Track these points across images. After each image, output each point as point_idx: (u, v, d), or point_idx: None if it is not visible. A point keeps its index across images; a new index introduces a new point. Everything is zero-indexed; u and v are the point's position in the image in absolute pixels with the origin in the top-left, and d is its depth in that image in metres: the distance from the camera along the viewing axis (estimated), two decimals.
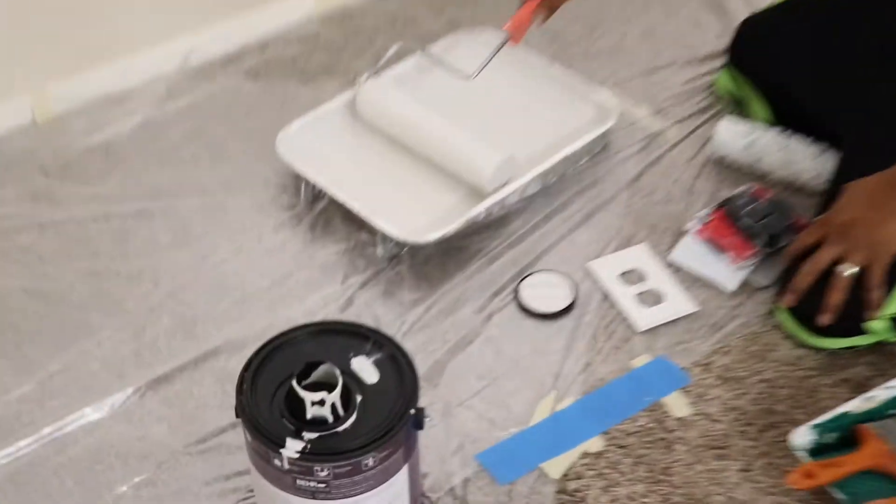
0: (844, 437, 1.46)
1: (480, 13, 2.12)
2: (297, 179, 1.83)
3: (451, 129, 1.84)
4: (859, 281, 1.52)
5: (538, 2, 1.68)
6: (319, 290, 1.71)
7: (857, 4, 1.79)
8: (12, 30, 1.91)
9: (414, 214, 1.73)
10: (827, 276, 1.54)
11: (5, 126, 1.96)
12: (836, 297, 1.51)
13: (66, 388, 1.60)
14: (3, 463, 1.51)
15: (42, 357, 1.63)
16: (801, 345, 1.61)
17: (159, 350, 1.64)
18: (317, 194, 1.82)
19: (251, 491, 1.44)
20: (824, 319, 1.52)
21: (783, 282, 1.63)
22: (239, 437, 1.33)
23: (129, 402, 1.58)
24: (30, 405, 1.57)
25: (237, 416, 1.27)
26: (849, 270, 1.51)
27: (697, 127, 1.93)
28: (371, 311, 1.68)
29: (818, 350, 1.61)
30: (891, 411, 1.48)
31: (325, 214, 1.81)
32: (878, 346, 1.60)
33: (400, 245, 1.72)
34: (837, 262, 1.52)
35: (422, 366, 1.55)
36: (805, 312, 1.58)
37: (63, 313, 1.70)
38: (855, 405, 1.46)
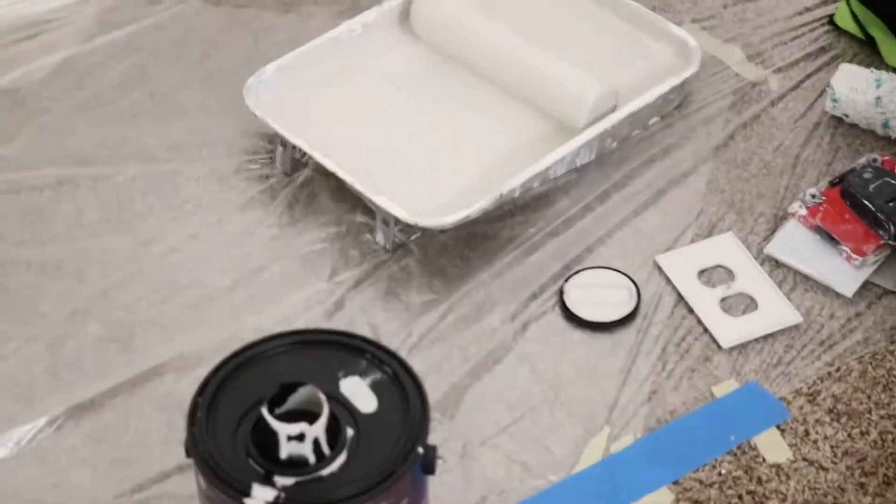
0: None
1: None
2: (272, 141, 1.84)
3: (538, 52, 1.87)
4: None
5: None
6: (300, 290, 1.72)
7: None
8: None
9: (426, 191, 1.74)
10: None
11: None
12: None
13: None
14: None
15: None
16: None
17: (84, 368, 1.64)
18: (298, 161, 1.83)
19: None
20: None
21: None
22: (189, 483, 1.34)
23: (42, 436, 1.58)
24: None
25: (187, 455, 1.27)
26: None
27: (807, 76, 1.94)
28: (368, 317, 1.68)
29: None
30: None
31: (309, 188, 1.83)
32: None
33: (408, 230, 1.73)
34: None
35: (434, 391, 1.56)
36: None
37: None
38: None
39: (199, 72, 1.97)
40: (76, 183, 1.84)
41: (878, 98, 1.82)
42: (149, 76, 1.97)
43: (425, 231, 1.73)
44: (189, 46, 2.02)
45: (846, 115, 1.86)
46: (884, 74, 1.84)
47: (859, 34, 1.95)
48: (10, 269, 1.75)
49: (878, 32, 1.91)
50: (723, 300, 1.69)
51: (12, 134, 1.90)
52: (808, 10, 2.02)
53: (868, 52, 1.94)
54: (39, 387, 1.63)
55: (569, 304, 1.68)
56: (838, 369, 1.62)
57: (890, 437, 1.56)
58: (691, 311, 1.68)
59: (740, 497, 1.51)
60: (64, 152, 1.88)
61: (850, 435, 1.56)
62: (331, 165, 1.73)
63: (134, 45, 2.02)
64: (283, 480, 1.23)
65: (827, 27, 2.00)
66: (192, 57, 2.00)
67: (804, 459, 1.54)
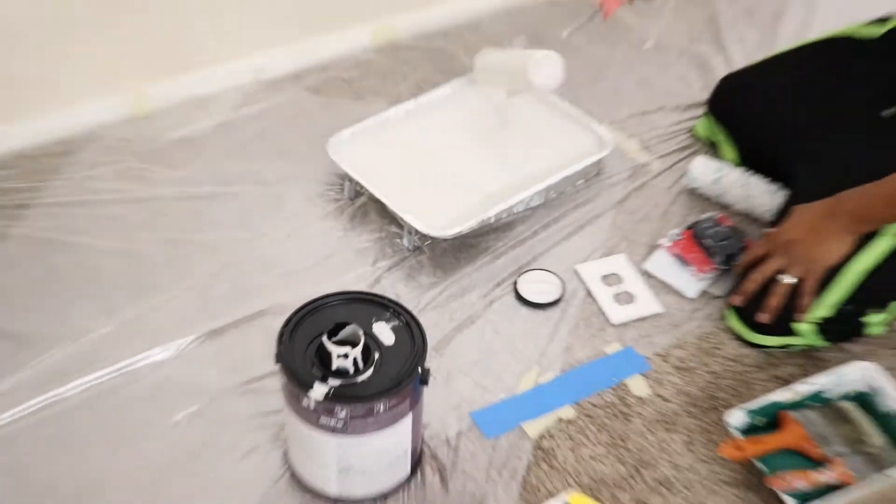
0: (770, 421, 1.52)
1: None
2: (343, 178, 1.86)
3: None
4: (795, 289, 1.57)
5: None
6: (353, 270, 1.75)
7: (815, 75, 1.83)
8: (117, 38, 1.93)
9: (436, 213, 1.76)
10: (769, 283, 1.59)
11: (109, 117, 1.98)
12: (776, 300, 1.57)
13: (139, 332, 1.64)
14: (82, 390, 1.56)
15: (122, 306, 1.68)
16: (744, 345, 1.66)
17: (218, 308, 1.69)
18: (358, 191, 1.85)
19: (283, 428, 1.48)
20: (763, 318, 1.58)
21: (734, 292, 1.67)
22: (277, 382, 1.38)
23: (191, 346, 1.63)
24: (109, 343, 1.62)
25: (276, 362, 1.32)
26: (788, 279, 1.56)
27: (676, 162, 1.96)
28: (394, 289, 1.72)
29: (758, 349, 1.65)
30: (809, 403, 1.53)
31: (363, 208, 1.86)
32: (806, 351, 1.65)
33: (423, 238, 1.76)
34: (780, 272, 1.57)
35: (431, 337, 1.56)
36: (749, 314, 1.63)
37: (142, 272, 1.74)
38: (781, 396, 1.52)
39: (302, 133, 1.98)
40: (223, 195, 1.87)
41: (716, 179, 1.85)
42: (272, 134, 1.99)
43: (434, 239, 1.76)
44: (296, 118, 2.03)
45: (697, 188, 1.89)
46: (721, 165, 1.87)
47: (708, 140, 1.98)
48: (179, 246, 1.78)
49: (719, 139, 1.94)
50: (615, 295, 1.72)
51: (186, 165, 1.92)
52: (679, 122, 2.05)
53: (713, 152, 1.96)
54: (192, 317, 1.67)
55: (519, 291, 1.72)
56: (682, 342, 1.67)
57: (711, 385, 1.61)
58: (595, 300, 1.72)
59: (615, 415, 1.56)
60: (216, 178, 1.90)
61: (685, 382, 1.61)
62: (377, 194, 1.77)
63: (264, 115, 2.03)
64: (333, 382, 1.28)
65: (690, 133, 2.02)
66: (297, 124, 2.01)
67: (657, 395, 1.59)
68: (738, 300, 1.61)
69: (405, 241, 1.81)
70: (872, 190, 1.52)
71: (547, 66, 1.79)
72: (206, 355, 1.63)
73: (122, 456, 1.49)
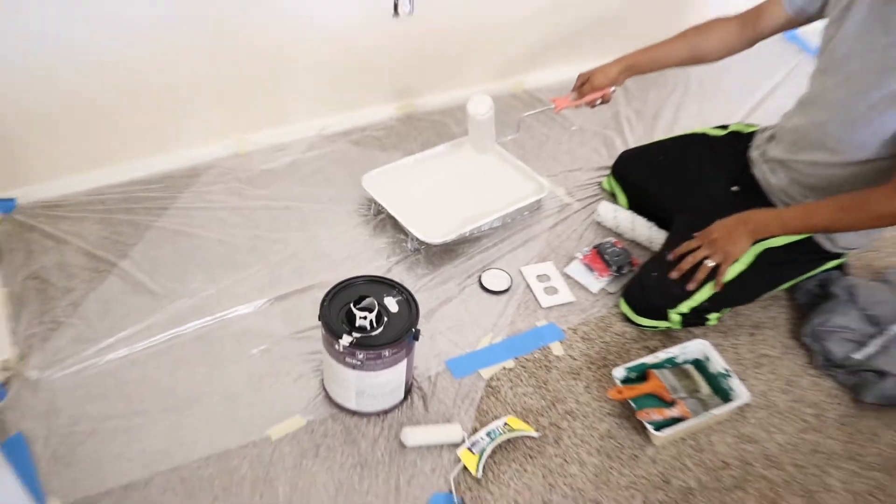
0: (640, 375, 1.52)
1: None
2: (370, 201, 1.83)
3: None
4: (670, 286, 1.55)
5: (579, 101, 1.72)
6: (374, 262, 1.72)
7: (682, 155, 1.81)
8: (230, 104, 1.92)
9: (430, 227, 1.72)
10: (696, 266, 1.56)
11: (222, 154, 1.96)
12: (701, 275, 1.53)
13: (232, 294, 1.62)
14: (193, 330, 1.55)
15: (222, 276, 1.66)
16: (627, 324, 1.64)
17: (283, 282, 1.66)
18: (380, 210, 1.82)
19: (321, 363, 1.47)
20: (691, 286, 1.53)
21: (624, 290, 1.66)
22: (319, 333, 1.37)
23: (265, 306, 1.61)
24: (212, 300, 1.61)
25: (319, 320, 1.31)
26: (711, 263, 1.52)
27: (588, 204, 1.92)
28: (400, 277, 1.69)
29: (636, 328, 1.63)
30: (665, 364, 1.53)
31: (382, 222, 1.82)
32: (665, 331, 1.64)
33: (420, 243, 1.73)
34: (705, 258, 1.54)
35: (423, 309, 1.59)
36: (634, 302, 1.61)
37: (236, 255, 1.71)
38: (648, 359, 1.52)
39: (345, 170, 1.95)
40: (291, 208, 1.83)
41: (614, 217, 1.83)
42: (326, 170, 1.95)
43: (428, 244, 1.72)
44: (343, 160, 1.98)
45: (601, 222, 1.85)
46: (617, 208, 1.84)
47: (610, 191, 1.95)
48: (260, 240, 1.75)
49: (618, 191, 1.91)
50: (544, 288, 1.69)
51: (269, 186, 1.89)
52: (592, 178, 2.00)
53: (613, 199, 1.92)
54: (266, 287, 1.64)
55: (482, 282, 1.69)
56: (586, 321, 1.64)
57: (603, 350, 1.58)
58: (531, 290, 1.69)
59: (540, 367, 1.54)
60: (287, 196, 1.86)
61: (588, 347, 1.59)
62: (392, 212, 1.74)
63: (322, 157, 1.99)
64: (356, 334, 1.26)
65: (599, 186, 1.98)
66: (343, 164, 1.97)
67: (568, 355, 1.57)
68: (675, 274, 1.55)
69: (409, 245, 1.77)
70: (774, 213, 1.51)
71: (477, 102, 1.76)
72: (274, 312, 1.61)
73: (217, 373, 1.49)
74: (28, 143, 1.75)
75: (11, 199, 1.80)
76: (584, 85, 1.72)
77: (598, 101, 1.73)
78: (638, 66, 1.70)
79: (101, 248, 1.71)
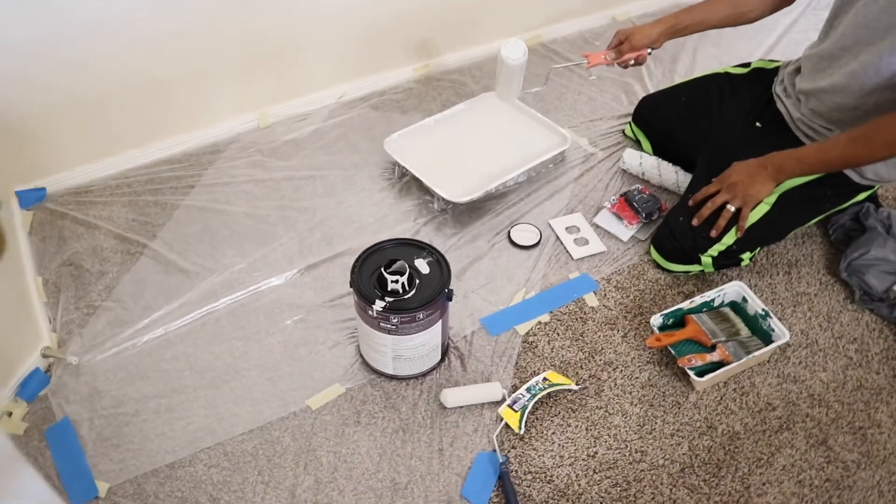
0: (678, 321, 1.45)
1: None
2: (394, 164, 1.77)
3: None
4: (698, 229, 1.48)
5: (616, 58, 1.66)
6: (402, 225, 1.66)
7: (703, 96, 1.72)
8: (250, 78, 1.86)
9: (456, 186, 1.65)
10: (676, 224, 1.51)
11: (244, 128, 1.91)
12: (723, 221, 1.46)
13: (262, 267, 1.58)
14: (227, 305, 1.51)
15: (251, 250, 1.61)
16: (660, 271, 1.57)
17: (313, 250, 1.61)
18: (404, 172, 1.75)
19: (356, 329, 1.42)
20: (713, 233, 1.47)
21: (653, 237, 1.59)
22: (352, 299, 1.31)
23: (296, 276, 1.56)
24: (243, 274, 1.56)
25: (351, 286, 1.26)
26: (733, 207, 1.46)
27: (613, 153, 1.84)
28: (429, 238, 1.63)
29: (669, 274, 1.56)
30: (702, 309, 1.46)
31: (407, 184, 1.75)
32: (699, 275, 1.56)
33: (447, 203, 1.66)
34: (725, 203, 1.47)
35: (454, 269, 1.53)
36: (666, 248, 1.54)
37: (264, 227, 1.66)
38: (684, 305, 1.45)
39: (367, 135, 1.88)
40: (315, 177, 1.78)
41: (639, 164, 1.75)
42: (348, 137, 1.89)
43: (454, 203, 1.65)
44: (365, 125, 1.92)
45: (627, 170, 1.77)
46: (642, 154, 1.77)
47: (633, 138, 1.86)
48: (287, 210, 1.70)
49: (641, 138, 1.83)
50: (574, 240, 1.62)
51: (292, 157, 1.83)
52: (614, 126, 1.92)
53: (637, 146, 1.84)
54: (296, 256, 1.60)
55: (512, 237, 1.63)
56: (619, 270, 1.57)
57: (638, 298, 1.52)
58: (561, 243, 1.62)
59: (576, 319, 1.48)
60: (311, 165, 1.81)
61: (622, 296, 1.52)
62: (416, 173, 1.68)
63: (343, 124, 1.92)
64: (389, 298, 1.22)
65: (622, 133, 1.90)
66: (364, 129, 1.91)
67: (603, 305, 1.50)
68: (696, 221, 1.49)
69: (435, 205, 1.71)
70: (790, 154, 1.43)
71: (512, 47, 1.71)
72: (305, 282, 1.56)
73: (253, 346, 1.45)
74: (54, 133, 1.70)
75: (42, 189, 1.75)
76: (622, 44, 1.65)
77: (632, 62, 1.66)
78: (679, 27, 1.63)
79: (131, 230, 1.66)
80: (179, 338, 1.45)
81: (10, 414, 1.32)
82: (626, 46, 1.64)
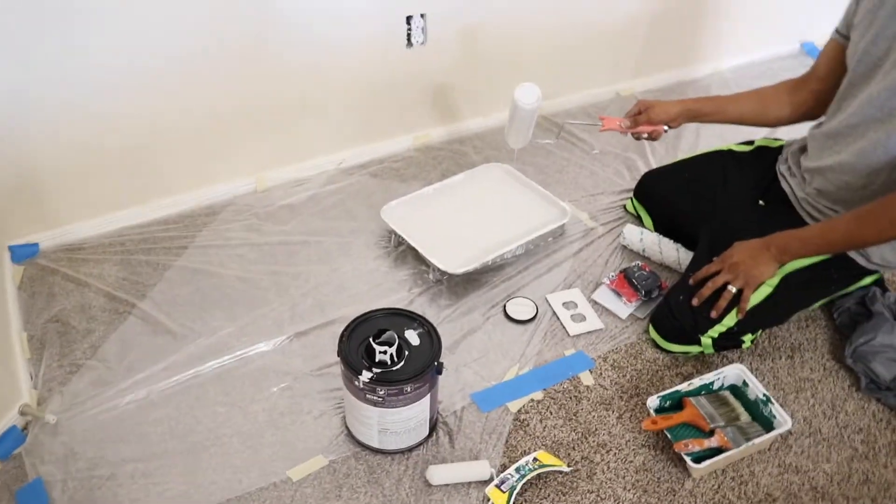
0: (675, 404, 1.44)
1: (502, 155, 2.10)
2: (391, 232, 1.78)
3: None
4: (698, 309, 1.48)
5: (631, 127, 1.67)
6: (396, 294, 1.67)
7: (706, 174, 1.75)
8: (248, 143, 1.90)
9: (452, 257, 1.67)
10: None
11: (240, 191, 1.94)
12: (723, 303, 1.46)
13: (251, 332, 1.58)
14: (213, 368, 1.50)
15: (241, 314, 1.61)
16: (658, 351, 1.56)
17: (304, 317, 1.61)
18: (400, 241, 1.76)
19: (343, 399, 1.40)
20: (713, 314, 1.46)
21: (652, 315, 1.59)
22: (339, 369, 1.30)
23: (284, 343, 1.56)
24: (231, 338, 1.56)
25: (338, 356, 1.26)
26: (734, 288, 1.46)
27: (613, 228, 1.86)
28: (423, 308, 1.63)
29: (667, 354, 1.56)
30: (700, 392, 1.45)
31: (403, 253, 1.77)
32: (699, 356, 1.56)
33: (442, 273, 1.67)
34: (726, 284, 1.47)
35: (446, 341, 1.53)
36: (664, 328, 1.54)
37: (255, 292, 1.67)
38: (682, 387, 1.44)
39: (365, 203, 1.91)
40: (309, 243, 1.79)
41: (640, 240, 1.76)
42: (345, 203, 1.92)
43: (451, 275, 1.67)
44: (362, 192, 1.95)
45: (627, 246, 1.79)
46: (643, 230, 1.78)
47: (634, 214, 1.89)
48: (280, 275, 1.71)
49: (642, 213, 1.85)
50: (571, 315, 1.62)
51: (288, 222, 1.85)
52: (615, 202, 1.94)
53: (637, 221, 1.86)
54: (285, 323, 1.60)
55: (507, 311, 1.63)
56: (616, 348, 1.57)
57: (635, 378, 1.50)
58: (558, 318, 1.62)
59: (570, 398, 1.46)
60: (306, 231, 1.83)
61: (619, 376, 1.51)
62: (412, 243, 1.70)
63: (341, 190, 1.95)
64: (376, 370, 1.21)
65: (623, 209, 1.92)
66: (362, 197, 1.94)
67: (598, 384, 1.49)
68: (696, 301, 1.49)
69: (431, 276, 1.72)
70: (793, 234, 1.44)
71: (526, 91, 1.73)
72: (294, 349, 1.56)
73: (237, 413, 1.44)
74: (49, 189, 1.74)
75: (35, 244, 1.78)
76: (640, 114, 1.67)
77: (645, 135, 1.68)
78: (700, 112, 1.66)
79: (121, 289, 1.67)
80: (162, 400, 1.44)
81: None
82: (644, 118, 1.67)
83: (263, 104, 1.87)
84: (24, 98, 1.59)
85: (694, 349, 1.52)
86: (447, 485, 1.31)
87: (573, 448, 1.38)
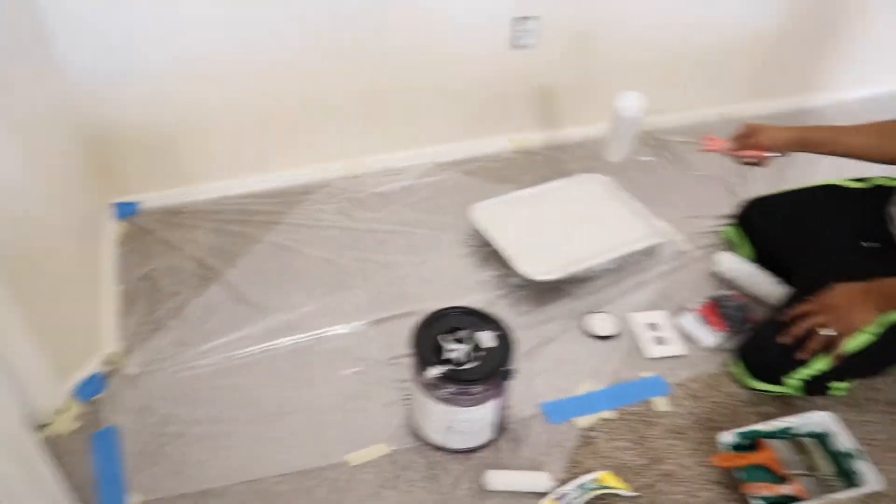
0: (750, 443, 1.38)
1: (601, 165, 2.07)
2: (477, 232, 1.78)
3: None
4: (787, 349, 1.42)
5: (734, 148, 1.60)
6: (477, 294, 1.67)
7: (812, 207, 1.68)
8: (347, 128, 1.94)
9: (538, 263, 1.64)
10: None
11: (335, 175, 1.98)
12: (815, 345, 1.40)
13: (330, 313, 1.61)
14: (288, 344, 1.54)
15: (322, 294, 1.65)
16: (740, 387, 1.51)
17: (384, 305, 1.63)
18: (486, 242, 1.76)
19: (411, 391, 1.41)
20: (803, 356, 1.41)
21: (739, 348, 1.53)
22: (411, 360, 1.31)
23: (361, 328, 1.58)
24: (310, 317, 1.60)
25: (410, 347, 1.26)
26: (828, 332, 1.39)
27: (708, 253, 1.81)
28: (502, 311, 1.61)
29: (750, 391, 1.50)
30: (780, 435, 1.39)
31: (490, 254, 1.76)
32: (783, 398, 1.49)
33: (526, 279, 1.65)
34: (821, 326, 1.40)
35: (521, 347, 1.51)
36: (750, 363, 1.48)
37: (339, 274, 1.70)
38: (761, 427, 1.38)
39: (457, 199, 1.91)
40: (399, 232, 1.82)
41: (735, 268, 1.71)
42: (437, 198, 1.94)
43: (534, 281, 1.64)
44: (455, 189, 1.97)
45: (720, 273, 1.74)
46: (739, 259, 1.73)
47: (732, 241, 1.82)
48: (367, 262, 1.74)
49: (740, 242, 1.79)
50: (653, 337, 1.59)
51: (379, 209, 1.89)
52: (713, 226, 1.89)
53: (734, 249, 1.79)
54: (365, 309, 1.62)
55: (587, 325, 1.60)
56: (695, 378, 1.52)
57: (712, 411, 1.46)
58: (638, 339, 1.59)
59: (641, 421, 1.44)
60: (397, 220, 1.86)
61: (695, 405, 1.47)
62: (497, 245, 1.70)
63: (434, 184, 1.98)
64: (445, 367, 1.22)
65: (720, 235, 1.86)
66: (454, 193, 1.95)
67: (672, 412, 1.45)
68: (786, 339, 1.43)
69: (513, 280, 1.70)
70: None
71: (629, 98, 1.71)
72: (370, 335, 1.58)
73: (306, 391, 1.47)
74: (155, 153, 1.81)
75: (135, 204, 1.86)
76: (747, 137, 1.59)
77: (751, 160, 1.59)
78: (812, 142, 1.55)
79: (211, 256, 1.73)
80: (236, 369, 1.49)
81: (64, 411, 1.39)
82: (751, 142, 1.58)
83: (368, 93, 1.90)
84: (147, 66, 1.66)
85: (778, 389, 1.46)
86: (504, 491, 1.30)
87: (638, 473, 1.35)
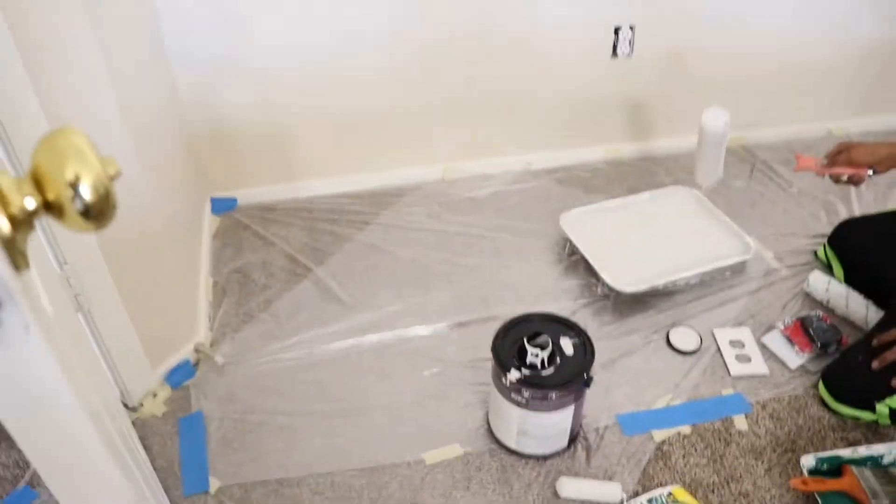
0: (833, 469, 1.34)
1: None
2: (566, 240, 1.79)
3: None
4: (878, 374, 1.37)
5: (827, 166, 1.54)
6: (560, 302, 1.68)
7: None
8: (441, 135, 1.98)
9: (624, 274, 1.65)
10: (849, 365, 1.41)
11: (427, 179, 2.04)
12: None
13: (414, 313, 1.65)
14: (372, 342, 1.58)
15: (408, 295, 1.69)
16: (825, 410, 1.46)
17: (467, 308, 1.66)
18: (574, 251, 1.77)
19: (489, 394, 1.43)
20: (894, 382, 1.36)
21: (825, 371, 1.49)
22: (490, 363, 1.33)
23: (444, 330, 1.62)
24: (395, 317, 1.64)
25: (491, 350, 1.29)
26: None
27: (799, 272, 1.76)
28: (584, 321, 1.63)
29: (835, 415, 1.45)
30: (868, 463, 1.34)
31: (576, 262, 1.77)
32: (871, 425, 1.44)
33: (610, 289, 1.66)
34: None
35: (601, 358, 1.52)
36: (836, 387, 1.45)
37: (427, 277, 1.74)
38: (846, 453, 1.34)
39: (546, 207, 1.93)
40: (487, 237, 1.85)
41: (826, 290, 1.66)
42: (527, 204, 1.96)
43: (619, 292, 1.64)
44: (545, 196, 1.98)
45: (811, 293, 1.69)
46: (832, 280, 1.68)
47: (825, 261, 1.77)
48: (452, 265, 1.77)
49: (834, 262, 1.73)
50: (737, 355, 1.56)
51: (469, 214, 1.92)
52: (805, 245, 1.84)
53: (827, 270, 1.74)
54: (449, 311, 1.65)
55: (670, 339, 1.59)
56: (778, 398, 1.49)
57: (794, 433, 1.42)
58: (721, 356, 1.56)
59: (719, 439, 1.41)
60: (485, 224, 1.89)
61: (776, 426, 1.43)
62: (585, 254, 1.71)
63: (525, 191, 2.00)
64: (525, 371, 1.23)
65: (812, 254, 1.81)
66: (544, 201, 1.97)
67: (752, 431, 1.42)
68: (877, 364, 1.39)
69: (598, 290, 1.71)
70: None
71: (715, 114, 1.70)
72: (452, 337, 1.61)
73: (387, 387, 1.51)
74: (255, 152, 1.90)
75: (234, 199, 1.94)
76: (840, 154, 1.54)
77: (846, 179, 1.53)
78: None
79: (302, 253, 1.79)
80: (320, 363, 1.54)
81: (155, 395, 1.47)
82: (843, 158, 1.53)
83: (465, 99, 1.94)
84: (250, 72, 1.75)
85: (867, 415, 1.41)
86: (575, 500, 1.31)
87: (712, 491, 1.33)
